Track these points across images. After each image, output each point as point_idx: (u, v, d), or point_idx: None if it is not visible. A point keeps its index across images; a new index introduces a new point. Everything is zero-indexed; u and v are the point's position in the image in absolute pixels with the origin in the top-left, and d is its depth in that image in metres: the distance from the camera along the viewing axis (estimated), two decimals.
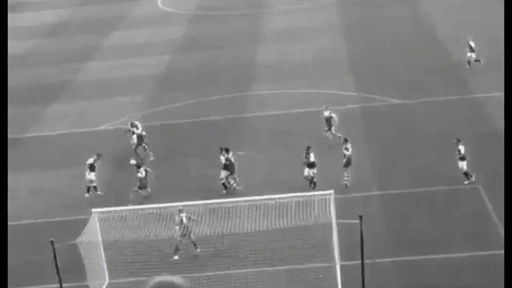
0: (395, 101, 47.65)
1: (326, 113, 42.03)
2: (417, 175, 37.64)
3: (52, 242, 28.06)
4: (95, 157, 39.23)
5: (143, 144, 42.84)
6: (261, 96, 50.82)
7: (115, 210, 31.81)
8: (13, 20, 77.06)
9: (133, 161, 38.74)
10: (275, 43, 62.29)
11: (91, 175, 38.77)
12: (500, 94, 40.81)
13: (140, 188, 37.72)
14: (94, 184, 38.81)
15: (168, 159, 42.38)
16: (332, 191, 30.36)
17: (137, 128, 43.12)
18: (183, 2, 79.41)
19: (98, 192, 38.66)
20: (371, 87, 50.10)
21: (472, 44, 50.93)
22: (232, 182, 37.93)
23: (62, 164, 43.21)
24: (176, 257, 32.06)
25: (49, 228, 35.02)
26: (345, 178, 36.91)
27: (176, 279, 3.33)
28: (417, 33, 61.01)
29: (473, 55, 50.86)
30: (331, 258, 29.73)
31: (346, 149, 37.42)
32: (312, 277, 29.61)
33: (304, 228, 29.89)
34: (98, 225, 30.50)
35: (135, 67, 59.22)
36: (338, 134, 41.38)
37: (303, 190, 34.70)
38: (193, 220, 31.94)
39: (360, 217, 27.78)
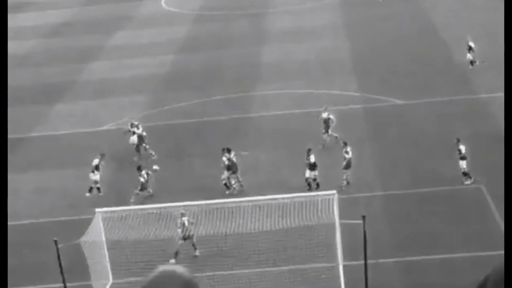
0: (398, 101, 47.67)
1: (325, 115, 42.04)
2: (420, 175, 37.66)
3: (55, 242, 28.13)
4: (100, 157, 39.30)
5: (144, 144, 42.92)
6: (264, 96, 50.86)
7: (118, 210, 31.90)
8: (18, 20, 77.19)
9: (156, 167, 38.55)
10: (278, 43, 62.32)
11: (96, 176, 38.82)
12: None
13: (141, 190, 37.77)
14: (98, 185, 38.87)
15: (172, 159, 42.42)
16: (335, 191, 30.42)
17: (138, 128, 43.20)
18: (186, 2, 79.47)
19: (100, 193, 38.66)
20: (374, 87, 50.12)
21: (472, 44, 50.93)
22: (233, 182, 37.97)
23: (66, 164, 43.28)
24: (172, 261, 32.13)
25: (53, 228, 35.09)
26: (343, 181, 36.88)
27: (179, 268, 3.44)
28: (419, 33, 61.00)
29: (471, 55, 50.86)
30: (334, 258, 29.77)
31: (346, 152, 37.42)
32: (315, 277, 29.65)
33: (307, 228, 29.93)
34: (101, 224, 30.57)
35: (139, 67, 59.27)
36: (335, 135, 41.43)
37: (306, 190, 34.72)
38: (192, 223, 31.99)
39: (363, 217, 27.84)
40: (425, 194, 35.98)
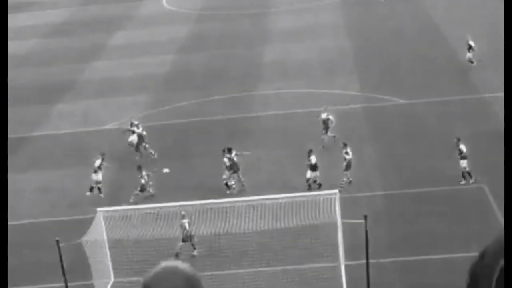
0: (400, 100, 47.64)
1: (324, 115, 42.01)
2: (422, 175, 37.62)
3: (57, 241, 28.12)
4: (101, 158, 39.22)
5: (144, 144, 42.90)
6: (265, 96, 50.84)
7: (120, 209, 31.91)
8: (19, 19, 77.21)
9: (166, 170, 38.46)
10: (279, 42, 62.29)
11: (99, 177, 38.76)
12: None
13: (141, 191, 37.76)
14: (99, 185, 38.82)
15: (172, 158, 42.40)
16: (337, 191, 30.42)
17: (138, 128, 43.20)
18: (188, 1, 79.46)
19: (101, 194, 38.56)
20: (375, 87, 50.10)
21: (472, 43, 50.90)
22: (233, 182, 37.94)
23: (67, 163, 43.27)
24: None
25: (55, 227, 35.08)
26: (342, 182, 36.79)
27: (181, 264, 3.43)
28: (421, 32, 60.99)
29: (470, 54, 50.86)
30: (336, 258, 29.74)
31: (347, 153, 37.35)
32: (316, 276, 29.63)
33: (309, 228, 29.92)
34: (103, 224, 30.57)
35: (140, 67, 59.26)
36: (332, 134, 41.41)
37: (306, 191, 34.70)
38: (192, 224, 32.00)
39: (365, 216, 27.81)
40: (426, 194, 35.94)
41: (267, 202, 31.75)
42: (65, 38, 70.34)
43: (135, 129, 43.14)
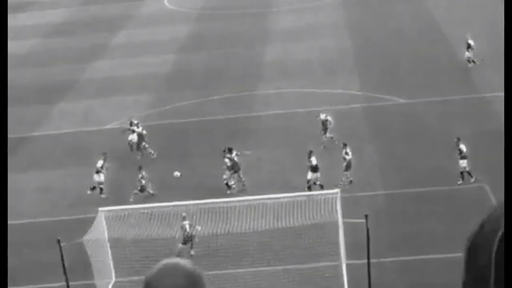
0: (400, 100, 47.64)
1: (322, 116, 42.03)
2: (423, 174, 37.63)
3: (58, 241, 28.13)
4: (103, 158, 39.18)
5: (143, 143, 42.91)
6: (266, 95, 50.85)
7: (121, 209, 31.93)
8: (20, 19, 77.24)
9: (177, 173, 38.44)
10: (280, 42, 62.31)
11: (101, 177, 38.74)
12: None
13: (141, 191, 37.76)
14: (102, 186, 38.81)
15: (173, 158, 42.41)
16: (338, 190, 30.42)
17: (138, 127, 43.21)
18: (189, 1, 79.48)
19: (102, 195, 38.53)
20: (376, 86, 50.10)
21: (471, 42, 50.89)
22: (233, 182, 37.94)
23: (68, 163, 43.29)
24: None
25: (56, 227, 35.10)
26: (341, 182, 36.76)
27: (182, 260, 3.46)
28: (422, 32, 60.99)
29: (469, 53, 50.86)
30: (337, 257, 29.76)
31: (346, 153, 37.34)
32: (318, 276, 29.64)
33: (310, 227, 29.94)
34: (104, 223, 30.59)
35: (142, 66, 59.28)
36: (330, 135, 41.41)
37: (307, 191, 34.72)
38: (193, 226, 31.99)
39: (366, 216, 27.81)
40: (427, 193, 35.95)
41: (268, 201, 31.77)
42: (66, 38, 70.35)
43: (135, 128, 43.16)
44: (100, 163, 38.90)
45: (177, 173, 38.14)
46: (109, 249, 30.95)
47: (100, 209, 31.10)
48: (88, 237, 29.68)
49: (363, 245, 27.88)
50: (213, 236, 31.48)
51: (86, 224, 31.54)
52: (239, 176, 38.03)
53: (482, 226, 2.52)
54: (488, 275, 2.45)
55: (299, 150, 39.76)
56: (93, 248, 29.87)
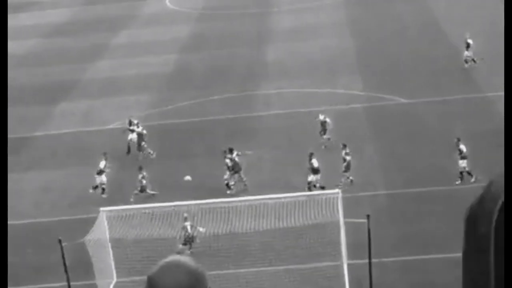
0: (402, 100, 47.65)
1: (321, 117, 42.05)
2: (424, 174, 37.64)
3: (60, 241, 28.15)
4: (105, 159, 39.19)
5: (143, 143, 42.92)
6: (267, 95, 50.86)
7: (123, 209, 31.94)
8: (21, 19, 77.28)
9: (188, 177, 38.38)
10: (282, 42, 62.33)
11: (103, 178, 38.75)
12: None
13: (141, 191, 37.79)
14: (104, 186, 38.82)
15: (174, 158, 42.43)
16: (339, 190, 30.42)
17: (138, 127, 43.23)
18: (190, 1, 79.49)
19: (103, 195, 38.55)
20: (378, 86, 50.10)
21: (470, 41, 50.87)
22: (232, 182, 37.94)
23: (69, 163, 43.31)
24: None
25: (57, 227, 35.11)
26: (340, 183, 36.74)
27: (184, 258, 3.48)
28: (424, 31, 60.98)
29: (468, 53, 50.85)
30: (338, 257, 29.77)
31: (347, 154, 37.32)
32: (319, 276, 29.65)
33: (312, 227, 29.94)
34: (106, 223, 30.61)
35: (143, 66, 59.29)
36: (327, 137, 41.41)
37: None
38: (194, 227, 32.02)
39: (368, 216, 27.83)
40: (428, 193, 35.95)
41: (269, 201, 31.78)
42: (67, 38, 70.37)
43: (134, 128, 43.18)
44: (102, 163, 38.92)
45: (188, 177, 38.06)
46: (110, 249, 30.96)
47: (102, 209, 31.12)
48: (90, 237, 29.69)
49: (364, 245, 27.90)
50: (214, 236, 31.49)
51: (88, 224, 31.55)
52: (240, 176, 38.03)
53: (482, 196, 2.53)
54: (488, 244, 2.48)
55: (300, 150, 39.77)
56: (95, 248, 29.88)
